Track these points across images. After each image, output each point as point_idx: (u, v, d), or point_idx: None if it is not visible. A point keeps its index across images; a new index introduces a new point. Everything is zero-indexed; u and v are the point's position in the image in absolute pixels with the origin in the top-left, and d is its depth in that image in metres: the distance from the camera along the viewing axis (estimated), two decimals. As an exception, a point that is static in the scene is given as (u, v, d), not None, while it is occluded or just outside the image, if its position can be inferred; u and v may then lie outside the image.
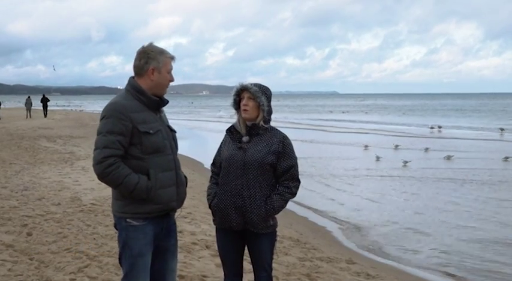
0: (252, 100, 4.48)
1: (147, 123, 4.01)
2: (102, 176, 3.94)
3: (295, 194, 4.59)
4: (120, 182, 3.91)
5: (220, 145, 4.72)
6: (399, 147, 28.62)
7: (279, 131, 4.60)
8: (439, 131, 42.86)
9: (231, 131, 4.61)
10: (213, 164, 4.76)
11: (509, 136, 37.96)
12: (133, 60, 4.16)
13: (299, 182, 4.59)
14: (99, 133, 3.99)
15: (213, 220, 4.69)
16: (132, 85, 4.12)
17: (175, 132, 4.36)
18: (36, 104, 57.26)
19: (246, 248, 4.70)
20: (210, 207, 4.64)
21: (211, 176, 4.74)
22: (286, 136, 4.59)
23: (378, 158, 23.39)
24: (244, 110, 4.50)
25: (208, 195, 4.67)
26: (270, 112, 4.55)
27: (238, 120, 4.59)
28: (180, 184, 4.24)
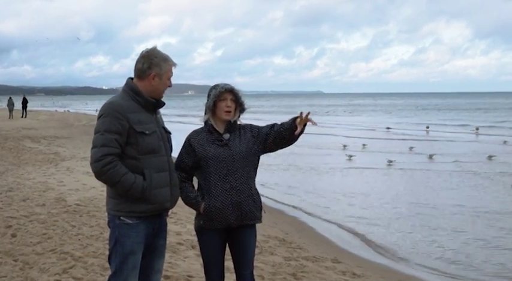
0: (234, 102, 4.58)
1: (143, 124, 4.10)
2: (100, 174, 4.00)
3: None
4: (117, 180, 3.98)
5: (186, 149, 4.60)
6: (366, 146, 28.68)
7: (243, 123, 4.74)
8: (427, 132, 42.89)
9: (210, 130, 4.60)
10: (180, 169, 4.58)
11: (486, 136, 38.19)
12: (135, 62, 4.23)
13: None
14: (96, 132, 4.06)
15: (201, 223, 4.57)
16: (129, 86, 4.20)
17: (170, 133, 4.44)
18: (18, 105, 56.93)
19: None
20: (200, 210, 4.54)
21: (182, 181, 4.57)
22: (248, 124, 4.77)
23: (349, 157, 23.66)
24: (228, 111, 4.55)
25: (192, 199, 4.55)
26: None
27: (209, 119, 4.60)
28: (174, 184, 4.31)
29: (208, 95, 4.61)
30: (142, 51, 4.22)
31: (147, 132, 4.09)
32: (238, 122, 4.68)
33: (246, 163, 4.55)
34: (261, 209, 4.69)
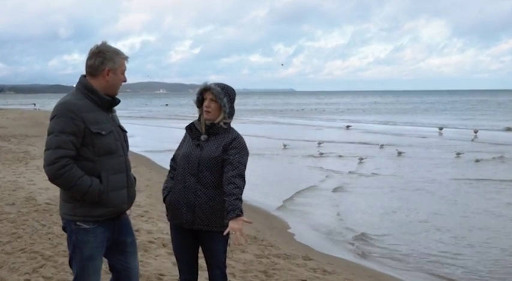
0: (214, 102, 4.48)
1: (99, 124, 3.93)
2: (54, 178, 3.83)
3: (243, 189, 4.40)
4: (72, 184, 3.82)
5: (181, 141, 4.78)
6: (321, 145, 28.37)
7: (235, 131, 4.61)
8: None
9: (191, 128, 4.63)
10: (172, 159, 4.78)
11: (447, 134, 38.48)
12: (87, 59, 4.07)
13: (245, 181, 4.42)
14: (50, 133, 3.90)
15: (166, 215, 4.74)
16: (83, 84, 4.02)
17: (126, 132, 4.31)
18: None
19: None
20: (164, 201, 4.68)
21: (169, 171, 4.79)
22: (239, 135, 4.58)
23: (321, 154, 24.06)
24: (207, 111, 4.51)
25: (163, 189, 4.70)
26: (231, 113, 4.55)
27: (199, 118, 4.62)
28: (131, 185, 4.21)
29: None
30: (93, 48, 4.03)
31: (103, 132, 3.93)
32: (225, 126, 4.51)
33: (211, 167, 4.44)
34: (222, 218, 4.39)
